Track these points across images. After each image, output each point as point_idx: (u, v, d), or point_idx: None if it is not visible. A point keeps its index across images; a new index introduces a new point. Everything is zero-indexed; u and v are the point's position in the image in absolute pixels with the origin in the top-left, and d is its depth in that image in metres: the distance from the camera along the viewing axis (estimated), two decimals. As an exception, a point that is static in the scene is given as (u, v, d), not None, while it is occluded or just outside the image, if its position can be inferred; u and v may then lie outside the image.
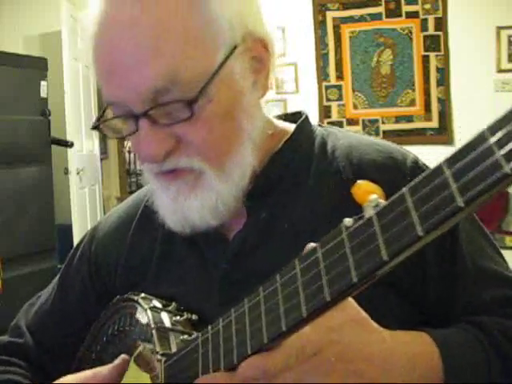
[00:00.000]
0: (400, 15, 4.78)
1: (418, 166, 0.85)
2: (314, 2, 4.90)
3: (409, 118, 4.83)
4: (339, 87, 4.92)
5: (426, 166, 0.86)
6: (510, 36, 4.73)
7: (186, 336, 0.80)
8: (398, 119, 4.84)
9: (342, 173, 0.85)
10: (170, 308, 0.86)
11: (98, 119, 0.81)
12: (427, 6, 4.75)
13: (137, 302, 0.87)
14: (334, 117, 4.92)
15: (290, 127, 0.91)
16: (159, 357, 0.77)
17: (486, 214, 4.15)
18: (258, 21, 0.81)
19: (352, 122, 4.90)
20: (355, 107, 4.91)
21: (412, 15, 4.76)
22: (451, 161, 0.46)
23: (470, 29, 4.70)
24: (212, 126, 0.76)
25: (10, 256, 3.76)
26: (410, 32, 4.77)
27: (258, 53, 0.81)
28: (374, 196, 0.54)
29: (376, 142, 0.90)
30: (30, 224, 3.98)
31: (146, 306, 0.84)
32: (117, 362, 0.80)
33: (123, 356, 0.80)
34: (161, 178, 0.81)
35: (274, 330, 0.60)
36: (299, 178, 0.87)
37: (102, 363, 0.87)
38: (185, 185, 0.79)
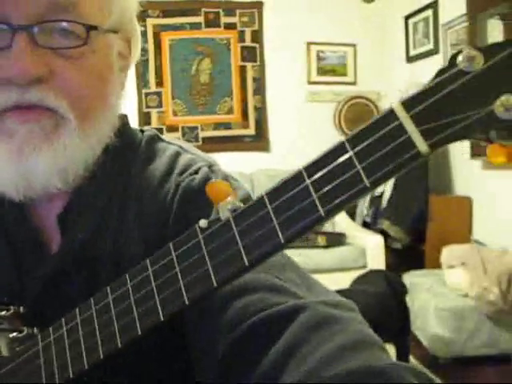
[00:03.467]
0: (219, 26, 4.92)
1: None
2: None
3: (227, 126, 4.97)
4: (159, 94, 4.92)
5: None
6: (318, 51, 5.05)
7: (15, 334, 0.71)
8: (217, 126, 4.96)
9: (165, 195, 0.80)
10: None
11: None
12: (244, 19, 4.93)
13: None
14: (154, 124, 4.90)
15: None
16: None
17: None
18: (134, 24, 0.81)
19: (172, 128, 4.92)
20: (175, 114, 4.93)
21: (230, 26, 4.92)
22: (310, 169, 0.48)
23: (283, 43, 4.96)
24: (89, 76, 0.72)
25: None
26: (229, 42, 4.92)
27: (126, 52, 0.81)
28: (230, 198, 0.53)
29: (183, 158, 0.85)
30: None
31: None
32: None
33: None
34: (13, 115, 0.69)
35: (128, 335, 0.58)
36: (121, 196, 0.81)
37: None
38: (40, 131, 0.70)
